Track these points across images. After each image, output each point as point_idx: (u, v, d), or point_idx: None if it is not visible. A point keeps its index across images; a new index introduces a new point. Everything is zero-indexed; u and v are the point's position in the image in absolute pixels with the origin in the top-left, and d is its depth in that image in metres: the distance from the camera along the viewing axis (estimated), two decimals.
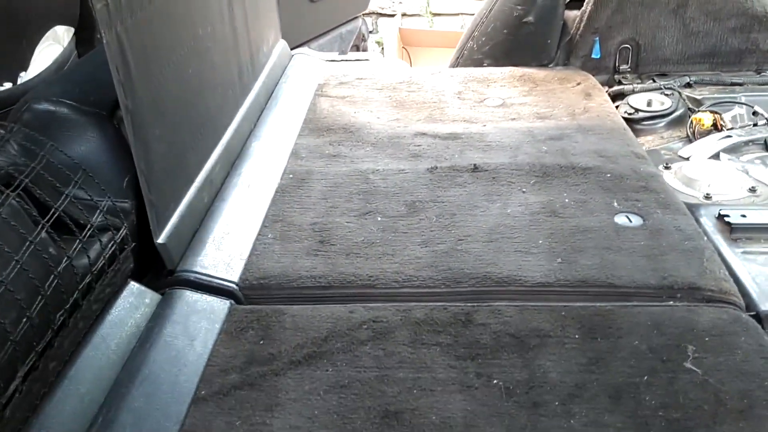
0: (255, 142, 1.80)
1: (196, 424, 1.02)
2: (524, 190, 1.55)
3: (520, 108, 2.00)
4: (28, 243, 0.90)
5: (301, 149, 1.78)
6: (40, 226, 0.94)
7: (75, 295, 1.00)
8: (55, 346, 0.97)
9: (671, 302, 1.22)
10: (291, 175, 1.66)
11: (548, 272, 1.28)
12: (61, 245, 0.98)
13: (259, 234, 1.44)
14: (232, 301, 1.26)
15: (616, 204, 1.49)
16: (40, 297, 0.90)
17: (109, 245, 1.10)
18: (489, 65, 2.40)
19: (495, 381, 1.06)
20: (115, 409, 1.01)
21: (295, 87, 2.18)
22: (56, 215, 0.99)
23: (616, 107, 2.10)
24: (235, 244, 1.40)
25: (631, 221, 1.43)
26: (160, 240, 1.27)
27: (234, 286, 1.30)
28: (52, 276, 0.94)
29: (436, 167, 1.64)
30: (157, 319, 1.19)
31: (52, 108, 1.21)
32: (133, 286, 1.21)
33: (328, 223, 1.47)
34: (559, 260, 1.31)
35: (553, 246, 1.35)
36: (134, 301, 1.19)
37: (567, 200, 1.50)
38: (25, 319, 0.87)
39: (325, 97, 2.11)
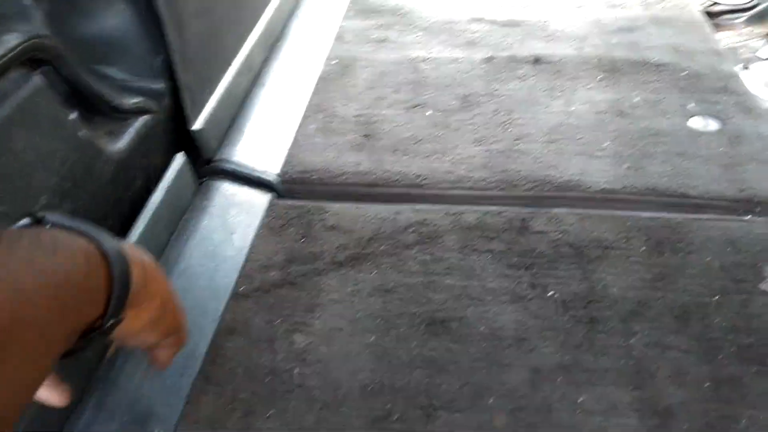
0: (296, 23, 1.67)
1: (236, 321, 0.98)
2: (590, 86, 1.41)
3: None
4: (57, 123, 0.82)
5: (346, 33, 1.65)
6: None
7: (109, 185, 0.94)
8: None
9: (749, 216, 1.11)
10: (335, 61, 1.54)
11: (614, 178, 1.17)
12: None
13: (300, 125, 1.35)
14: (273, 195, 1.20)
15: (692, 105, 1.35)
16: (71, 184, 0.84)
17: (144, 130, 1.03)
18: None
19: (550, 293, 0.99)
20: None
21: None
22: (86, 94, 0.91)
23: None
24: (276, 135, 1.32)
25: (707, 125, 1.30)
26: (196, 127, 1.18)
27: (274, 178, 1.22)
28: (86, 162, 0.87)
29: (493, 57, 1.50)
30: (193, 211, 1.13)
31: None
32: (169, 174, 1.15)
33: (374, 115, 1.36)
34: (627, 165, 1.20)
35: (620, 150, 1.24)
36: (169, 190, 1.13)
37: (637, 99, 1.36)
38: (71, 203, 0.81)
39: None
